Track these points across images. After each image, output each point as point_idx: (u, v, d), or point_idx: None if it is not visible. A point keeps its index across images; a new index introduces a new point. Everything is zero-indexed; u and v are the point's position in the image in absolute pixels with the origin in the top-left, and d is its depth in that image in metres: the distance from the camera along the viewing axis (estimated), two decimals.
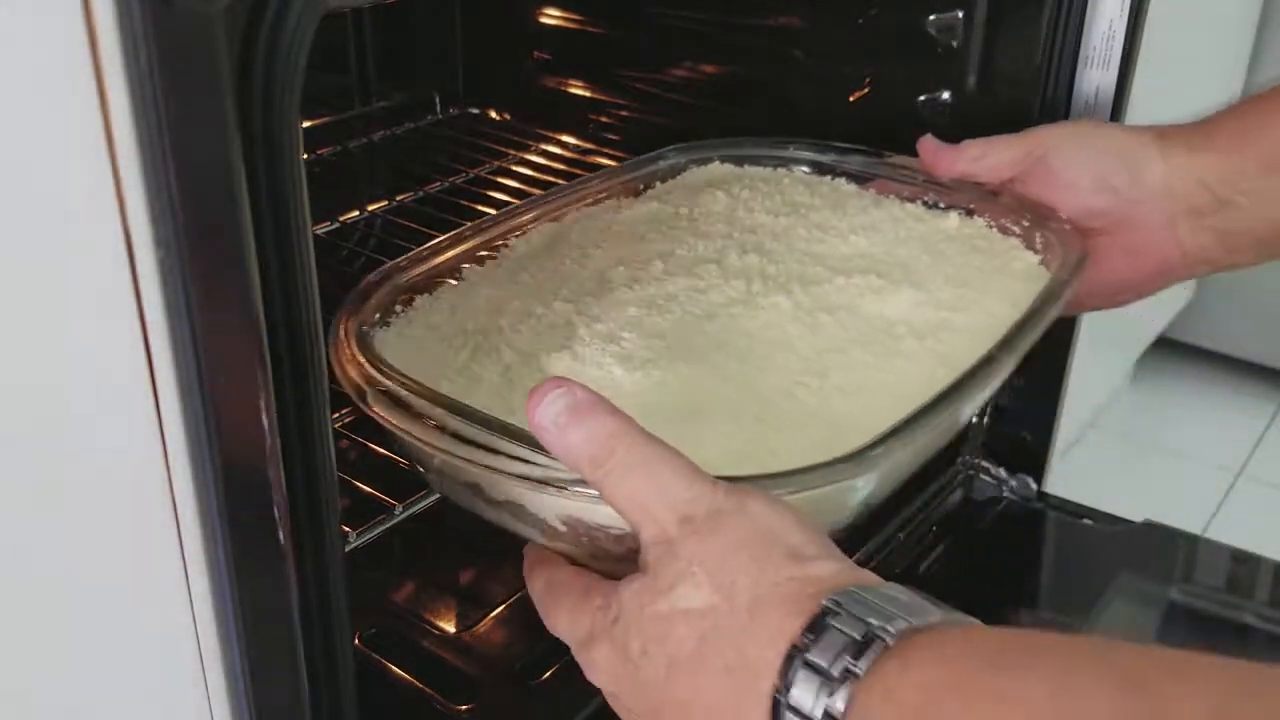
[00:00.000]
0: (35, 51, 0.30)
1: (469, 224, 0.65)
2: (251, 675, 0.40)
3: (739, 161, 0.74)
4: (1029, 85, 0.72)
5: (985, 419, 0.82)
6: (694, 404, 0.50)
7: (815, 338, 0.55)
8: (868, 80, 0.82)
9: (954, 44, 0.75)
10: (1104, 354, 1.29)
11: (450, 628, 0.68)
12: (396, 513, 0.62)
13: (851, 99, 0.82)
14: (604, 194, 0.69)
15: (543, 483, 0.44)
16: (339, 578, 0.43)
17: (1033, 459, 0.83)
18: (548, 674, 0.64)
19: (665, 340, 0.54)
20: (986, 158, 0.64)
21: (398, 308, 0.57)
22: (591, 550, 0.46)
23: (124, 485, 0.35)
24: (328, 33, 0.85)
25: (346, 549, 0.58)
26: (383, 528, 0.62)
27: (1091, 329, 0.83)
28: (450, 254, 0.62)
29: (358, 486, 0.65)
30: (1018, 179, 0.64)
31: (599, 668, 0.42)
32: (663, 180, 0.72)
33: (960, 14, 0.75)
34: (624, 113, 0.99)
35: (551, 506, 0.46)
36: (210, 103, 0.33)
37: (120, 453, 0.35)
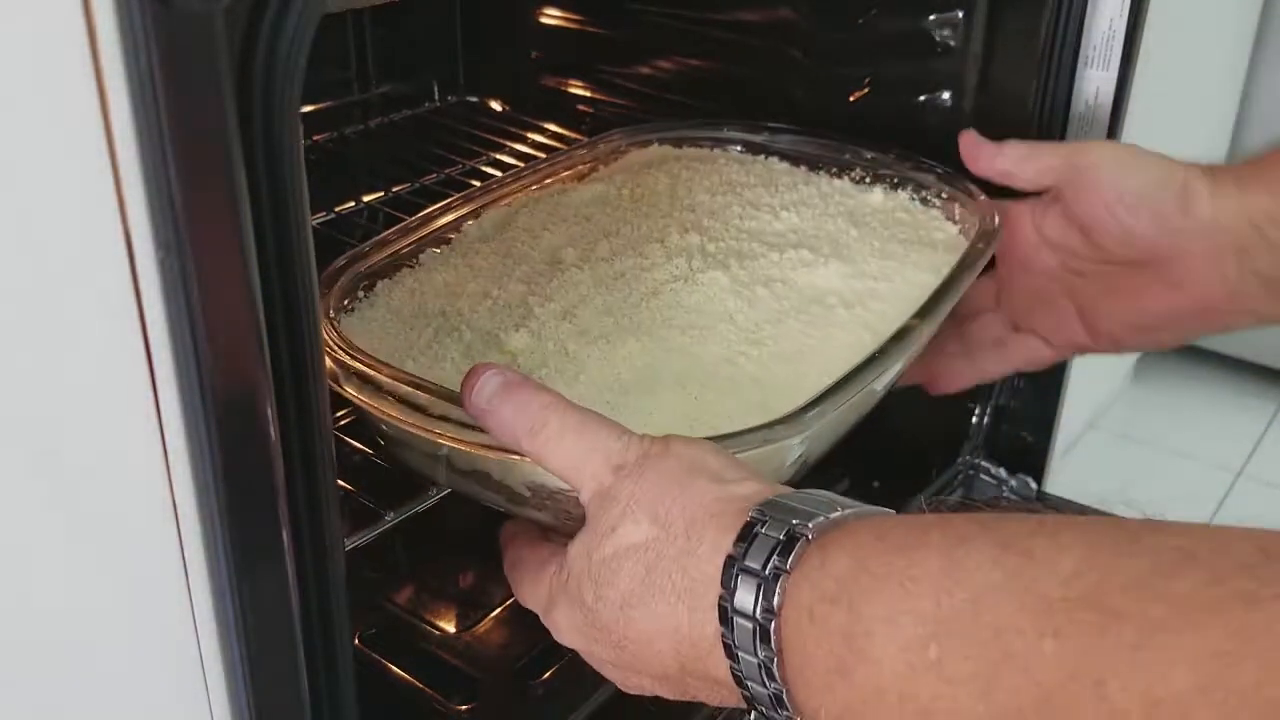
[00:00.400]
0: (35, 51, 0.30)
1: (420, 213, 0.68)
2: (251, 675, 0.40)
3: (677, 143, 0.77)
4: (1029, 85, 0.71)
5: (985, 418, 0.82)
6: (644, 375, 0.54)
7: (753, 310, 0.59)
8: (868, 80, 0.82)
9: (954, 44, 0.75)
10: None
11: (450, 628, 0.68)
12: (388, 518, 0.62)
13: (851, 99, 0.82)
14: (549, 178, 0.73)
15: (501, 450, 0.47)
16: (339, 578, 0.43)
17: (1033, 459, 0.83)
18: (548, 674, 0.64)
19: (614, 316, 0.58)
20: (1031, 160, 0.63)
21: (360, 293, 0.61)
22: (556, 514, 0.50)
23: (124, 485, 0.35)
24: (327, 30, 0.85)
25: (346, 549, 0.58)
26: (380, 530, 0.62)
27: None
28: (408, 240, 0.65)
29: (355, 489, 0.65)
30: (1056, 189, 0.62)
31: (562, 628, 0.46)
32: (605, 163, 0.75)
33: (960, 14, 0.75)
34: (623, 112, 0.99)
35: (515, 473, 0.49)
36: (210, 103, 0.33)
37: (120, 453, 0.35)
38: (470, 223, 0.68)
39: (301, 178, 0.36)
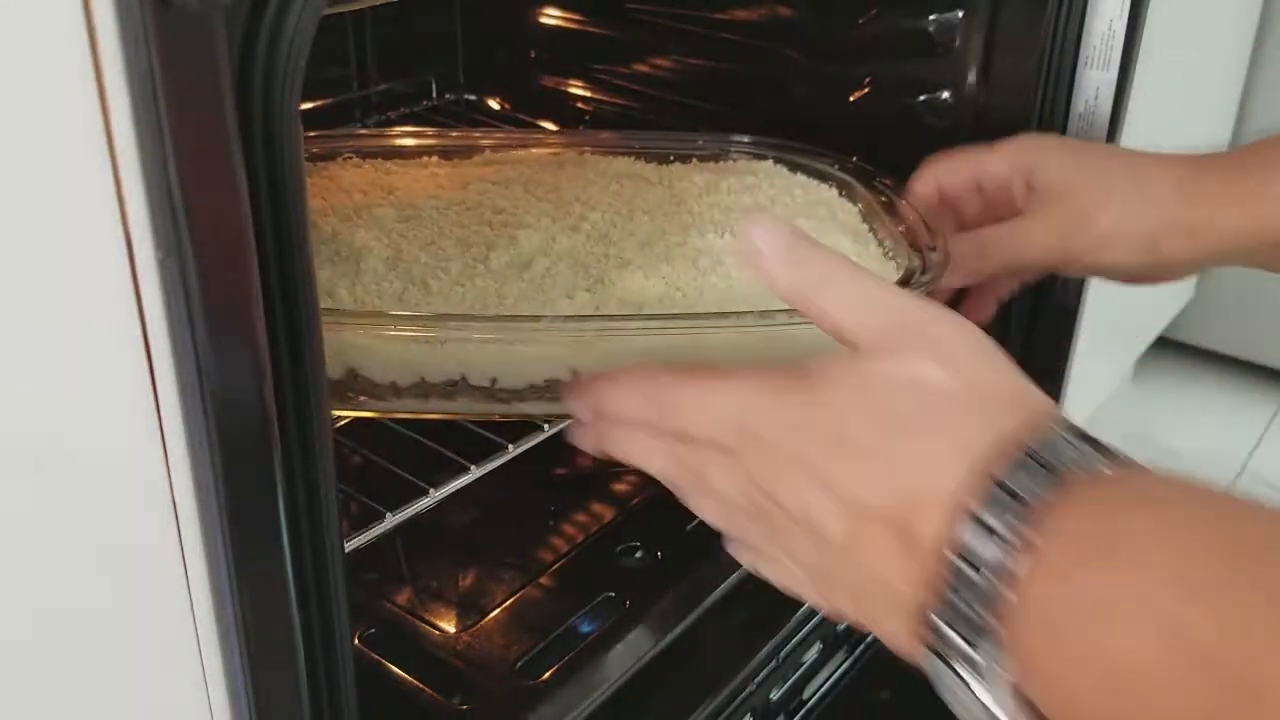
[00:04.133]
0: (35, 51, 0.30)
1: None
2: (251, 675, 0.40)
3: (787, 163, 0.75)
4: (1029, 85, 0.71)
5: None
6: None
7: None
8: (868, 80, 0.81)
9: (954, 44, 0.75)
10: (1104, 354, 1.29)
11: (450, 628, 0.68)
12: (388, 518, 0.62)
13: (851, 99, 0.82)
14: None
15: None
16: (339, 578, 0.43)
17: None
18: (547, 674, 0.64)
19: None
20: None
21: None
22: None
23: (124, 485, 0.35)
24: (326, 28, 0.85)
25: (345, 550, 0.58)
26: (380, 530, 0.62)
27: (1091, 329, 0.83)
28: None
29: (354, 490, 0.65)
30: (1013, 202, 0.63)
31: (763, 422, 0.41)
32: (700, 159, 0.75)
33: (960, 14, 0.75)
34: (623, 111, 0.99)
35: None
36: (210, 103, 0.33)
37: (120, 452, 0.35)
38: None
39: (302, 177, 0.36)
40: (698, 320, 0.54)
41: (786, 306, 0.46)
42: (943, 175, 0.65)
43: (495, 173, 0.72)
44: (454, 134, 0.80)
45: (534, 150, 0.76)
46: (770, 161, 0.72)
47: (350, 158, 0.73)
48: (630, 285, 0.59)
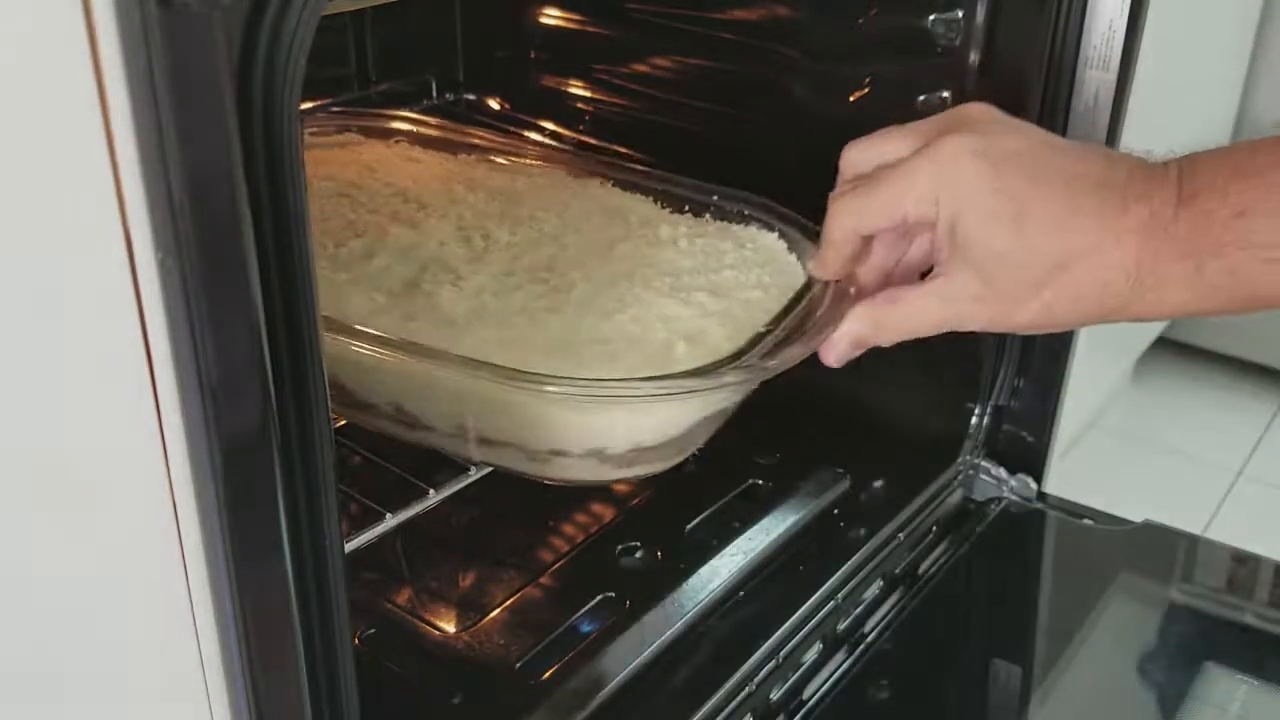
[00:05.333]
0: (34, 52, 0.30)
1: None
2: (251, 675, 0.40)
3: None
4: (1029, 85, 0.71)
5: (985, 418, 0.83)
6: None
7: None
8: (868, 80, 0.81)
9: (954, 44, 0.75)
10: (1104, 354, 1.29)
11: (450, 627, 0.68)
12: (388, 519, 0.62)
13: (851, 99, 0.82)
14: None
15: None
16: (339, 578, 0.42)
17: (1033, 459, 0.83)
18: (547, 673, 0.64)
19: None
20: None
21: None
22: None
23: (124, 485, 0.35)
24: (326, 28, 0.85)
25: (345, 550, 0.58)
26: (380, 530, 0.62)
27: (1091, 329, 0.83)
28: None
29: (354, 491, 0.65)
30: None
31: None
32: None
33: (960, 14, 0.75)
34: (623, 112, 0.99)
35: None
36: (210, 103, 0.33)
37: (120, 452, 0.35)
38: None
39: (302, 177, 0.36)
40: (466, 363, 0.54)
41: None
42: (862, 222, 0.55)
43: (484, 175, 0.73)
44: (460, 129, 0.81)
45: (532, 161, 0.77)
46: (775, 235, 0.68)
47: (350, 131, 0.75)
48: (445, 300, 0.59)
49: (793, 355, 0.55)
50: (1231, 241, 0.47)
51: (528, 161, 0.77)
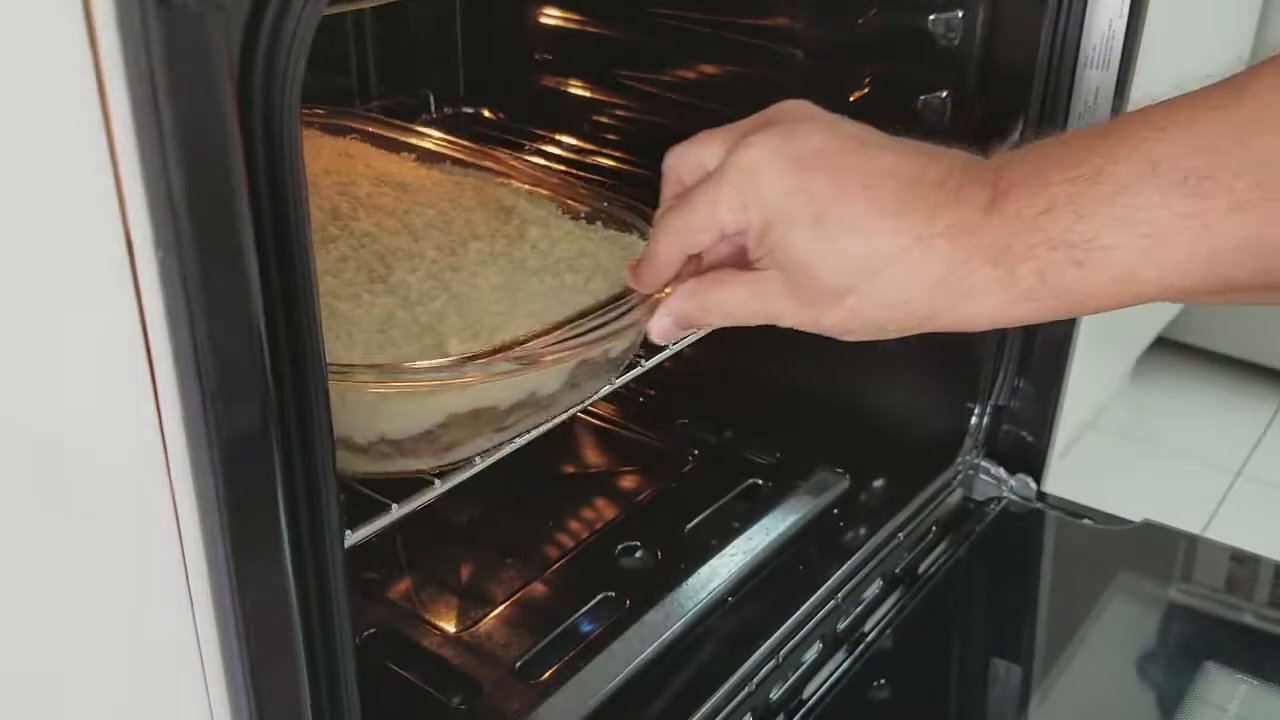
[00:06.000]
0: (35, 51, 0.30)
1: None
2: (251, 675, 0.40)
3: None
4: (1029, 85, 0.72)
5: (985, 418, 0.83)
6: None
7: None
8: (868, 80, 0.82)
9: (954, 44, 0.75)
10: (1104, 354, 1.29)
11: (450, 627, 0.68)
12: (388, 515, 0.62)
13: (851, 99, 0.82)
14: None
15: None
16: (339, 577, 0.43)
17: (1032, 459, 0.83)
18: (547, 673, 0.64)
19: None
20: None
21: None
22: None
23: (124, 485, 0.35)
24: (327, 36, 0.85)
25: (346, 545, 0.58)
26: (380, 526, 0.62)
27: (1091, 329, 0.83)
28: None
29: (354, 486, 0.65)
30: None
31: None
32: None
33: (960, 14, 0.75)
34: (623, 113, 0.99)
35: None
36: (210, 103, 0.33)
37: (120, 452, 0.35)
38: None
39: (302, 177, 0.36)
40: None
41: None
42: (686, 241, 0.52)
43: (399, 169, 0.74)
44: (408, 128, 0.81)
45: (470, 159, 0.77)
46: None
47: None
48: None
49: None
50: (1040, 242, 0.43)
51: (467, 160, 0.77)
